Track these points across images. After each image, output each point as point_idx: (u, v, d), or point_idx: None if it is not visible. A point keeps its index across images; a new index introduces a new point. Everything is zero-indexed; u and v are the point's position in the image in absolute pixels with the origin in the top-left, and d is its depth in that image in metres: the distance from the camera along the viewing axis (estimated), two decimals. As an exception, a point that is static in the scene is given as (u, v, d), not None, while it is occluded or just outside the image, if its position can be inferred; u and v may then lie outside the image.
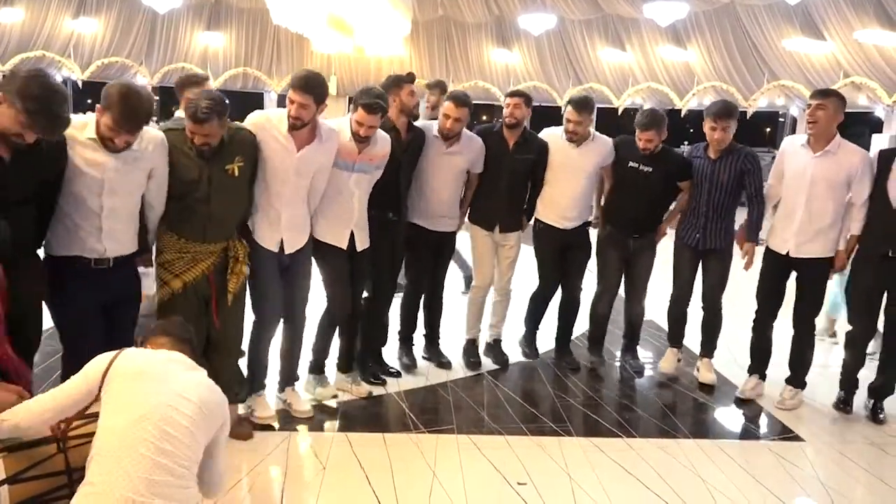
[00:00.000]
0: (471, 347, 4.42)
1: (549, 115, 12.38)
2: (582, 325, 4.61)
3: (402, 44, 17.52)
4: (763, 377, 4.12)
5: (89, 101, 21.20)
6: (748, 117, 15.43)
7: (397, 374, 4.11)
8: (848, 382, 3.90)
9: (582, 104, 4.10)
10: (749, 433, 3.74)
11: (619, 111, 18.59)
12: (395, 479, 2.97)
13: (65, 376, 2.65)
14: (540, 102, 20.45)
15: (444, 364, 4.30)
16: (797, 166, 3.80)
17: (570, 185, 4.19)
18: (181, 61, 19.80)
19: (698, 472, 3.16)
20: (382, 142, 3.56)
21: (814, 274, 3.86)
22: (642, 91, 18.70)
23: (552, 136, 4.26)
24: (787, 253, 3.84)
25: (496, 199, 4.19)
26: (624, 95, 18.68)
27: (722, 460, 3.28)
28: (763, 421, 3.85)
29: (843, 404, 3.86)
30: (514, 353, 4.57)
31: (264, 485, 2.93)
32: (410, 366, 4.23)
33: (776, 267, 3.93)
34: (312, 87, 3.07)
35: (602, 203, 4.40)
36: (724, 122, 3.90)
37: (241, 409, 3.37)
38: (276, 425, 3.38)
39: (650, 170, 4.09)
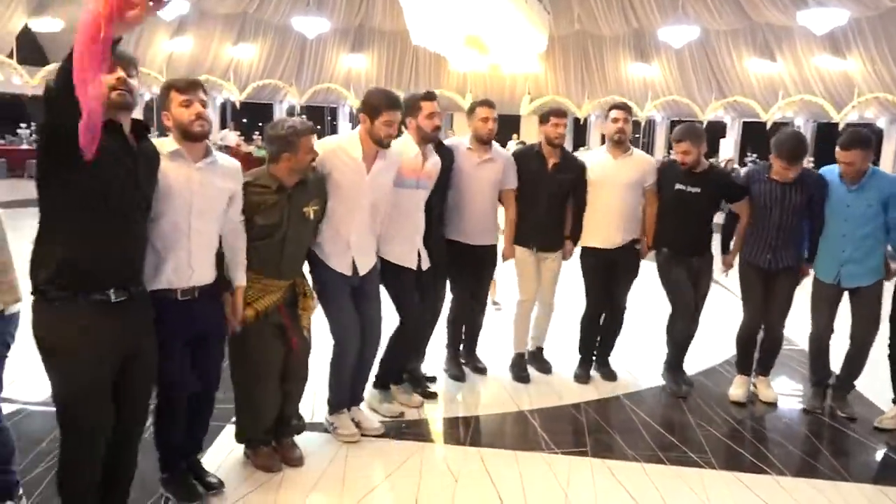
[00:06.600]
0: (519, 361, 4.40)
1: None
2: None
3: (537, 60, 17.55)
4: None
5: (244, 120, 22.91)
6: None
7: (433, 382, 4.16)
8: None
9: (628, 106, 4.33)
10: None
11: (768, 125, 17.54)
12: (527, 497, 2.94)
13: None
14: (679, 117, 19.75)
15: (480, 370, 4.39)
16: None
17: (612, 198, 4.19)
18: (327, 82, 20.97)
19: (860, 519, 2.88)
20: (436, 157, 3.68)
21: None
22: (794, 104, 17.56)
23: (589, 155, 4.33)
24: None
25: (534, 219, 4.20)
26: (773, 108, 17.62)
27: (888, 509, 2.97)
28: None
29: None
30: (559, 363, 4.50)
31: (399, 492, 2.99)
32: (459, 376, 4.28)
33: None
34: (398, 101, 3.22)
35: (649, 229, 4.33)
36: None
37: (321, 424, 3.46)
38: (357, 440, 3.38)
39: (698, 190, 4.04)
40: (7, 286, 2.42)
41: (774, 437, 3.72)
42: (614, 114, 4.23)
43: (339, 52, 20.86)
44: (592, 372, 4.46)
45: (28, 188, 14.01)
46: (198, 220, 2.56)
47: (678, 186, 4.10)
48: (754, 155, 18.71)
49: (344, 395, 3.46)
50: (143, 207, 2.33)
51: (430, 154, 3.65)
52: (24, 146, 17.68)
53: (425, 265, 3.70)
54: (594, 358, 4.50)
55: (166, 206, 2.47)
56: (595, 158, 4.36)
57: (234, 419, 3.18)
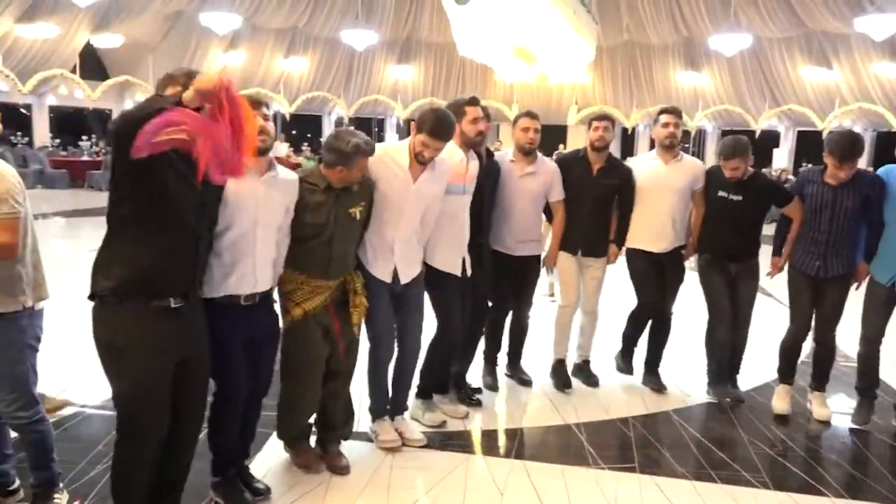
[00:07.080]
0: (560, 368, 4.38)
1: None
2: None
3: (585, 70, 17.44)
4: None
5: (294, 131, 23.35)
6: None
7: (479, 393, 4.11)
8: None
9: (678, 110, 4.35)
10: None
11: (824, 134, 17.03)
12: (573, 513, 2.89)
13: None
14: (731, 127, 19.33)
15: (525, 381, 4.35)
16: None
17: (661, 204, 4.18)
18: (374, 94, 21.21)
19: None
20: (476, 160, 3.67)
21: None
22: (851, 112, 17.05)
23: (639, 160, 4.33)
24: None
25: (578, 223, 4.20)
26: (830, 117, 17.13)
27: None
28: None
29: None
30: (605, 374, 4.45)
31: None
32: (493, 386, 4.25)
33: None
34: (448, 133, 3.20)
35: (695, 232, 4.30)
36: None
37: (368, 431, 3.46)
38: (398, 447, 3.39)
39: (740, 198, 4.00)
40: (37, 283, 2.53)
41: (831, 457, 3.59)
42: (664, 118, 4.23)
43: (386, 63, 21.10)
44: (640, 385, 4.40)
45: (88, 199, 14.50)
46: (263, 231, 2.65)
47: (721, 193, 4.07)
48: (809, 165, 18.20)
49: (383, 400, 3.47)
50: (208, 222, 2.42)
51: (472, 158, 3.65)
52: (85, 157, 18.35)
53: (470, 271, 3.69)
54: (644, 367, 4.46)
55: (234, 219, 2.55)
56: (645, 164, 4.34)
57: (280, 423, 3.23)
